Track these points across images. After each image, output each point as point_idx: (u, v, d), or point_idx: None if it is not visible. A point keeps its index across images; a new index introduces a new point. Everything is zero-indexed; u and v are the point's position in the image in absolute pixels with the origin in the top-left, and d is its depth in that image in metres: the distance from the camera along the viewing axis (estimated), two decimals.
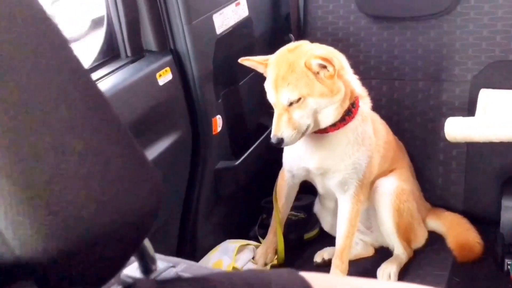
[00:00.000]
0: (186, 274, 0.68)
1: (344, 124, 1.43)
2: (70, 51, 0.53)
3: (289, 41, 1.83)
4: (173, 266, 0.67)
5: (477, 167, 1.75)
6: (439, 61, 1.80)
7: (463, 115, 1.54)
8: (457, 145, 1.72)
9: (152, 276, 0.65)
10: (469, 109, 1.71)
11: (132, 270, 0.66)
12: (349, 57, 1.73)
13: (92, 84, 0.55)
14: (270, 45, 1.58)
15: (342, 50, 1.65)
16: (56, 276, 0.48)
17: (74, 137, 0.48)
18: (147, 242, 0.65)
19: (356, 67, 1.76)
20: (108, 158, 0.51)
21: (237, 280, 0.52)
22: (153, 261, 0.65)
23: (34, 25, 0.49)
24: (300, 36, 1.99)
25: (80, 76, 0.53)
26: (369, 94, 1.58)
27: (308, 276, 0.55)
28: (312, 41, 1.55)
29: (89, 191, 0.48)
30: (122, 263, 0.55)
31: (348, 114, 1.44)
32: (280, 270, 0.56)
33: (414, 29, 1.84)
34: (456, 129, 1.42)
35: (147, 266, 0.65)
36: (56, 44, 0.51)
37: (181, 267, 0.70)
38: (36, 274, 0.46)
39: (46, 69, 0.48)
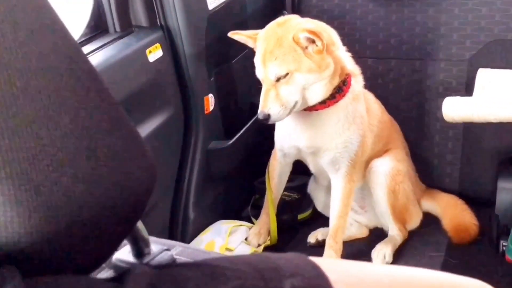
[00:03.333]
0: (181, 258, 0.65)
1: (334, 102, 1.40)
2: (55, 17, 0.48)
3: None
4: (168, 249, 0.64)
5: (473, 148, 1.73)
6: (437, 40, 1.76)
7: (461, 95, 1.50)
8: (453, 126, 1.69)
9: (146, 259, 0.62)
10: (467, 89, 1.68)
11: (124, 253, 0.62)
12: (345, 36, 1.69)
13: (80, 54, 0.50)
14: (264, 22, 1.52)
15: (338, 28, 1.61)
16: (42, 262, 0.44)
17: (59, 110, 0.44)
18: (140, 224, 0.61)
19: (352, 46, 1.72)
20: (97, 134, 0.47)
21: (243, 265, 0.49)
22: (147, 243, 0.62)
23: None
24: (294, 13, 1.93)
25: (66, 45, 0.48)
26: (365, 73, 1.54)
27: (318, 260, 0.52)
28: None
29: (77, 169, 0.44)
30: (115, 246, 0.52)
31: (339, 92, 1.40)
32: (289, 254, 0.53)
33: (411, 7, 1.79)
34: (454, 109, 1.39)
35: (140, 249, 0.62)
36: (37, 7, 0.46)
37: (176, 250, 0.66)
38: (20, 259, 0.42)
39: (27, 34, 0.43)
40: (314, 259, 0.52)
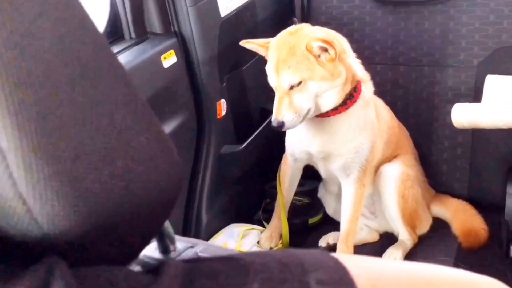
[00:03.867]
0: (205, 255, 0.67)
1: (346, 108, 1.42)
2: (93, 25, 0.51)
3: (292, 24, 1.82)
4: (192, 247, 0.66)
5: (482, 154, 1.75)
6: (445, 47, 1.78)
7: (469, 101, 1.52)
8: (462, 131, 1.71)
9: (171, 256, 0.64)
10: (475, 95, 1.70)
11: (151, 250, 0.65)
12: (354, 42, 1.71)
13: (114, 59, 0.53)
14: (274, 29, 1.55)
15: (347, 34, 1.63)
16: (81, 254, 0.46)
17: (98, 113, 0.47)
18: (166, 222, 0.64)
19: (361, 52, 1.74)
20: (131, 135, 0.50)
21: (270, 259, 0.51)
22: (172, 241, 0.64)
23: (64, 10, 0.47)
24: (304, 20, 1.96)
25: (103, 50, 0.51)
26: (374, 79, 1.56)
27: (339, 256, 0.54)
28: (316, 25, 1.53)
29: (114, 168, 0.47)
30: (147, 241, 0.54)
31: (350, 98, 1.42)
32: (312, 250, 0.55)
33: (420, 14, 1.82)
34: (463, 115, 1.41)
35: (166, 246, 0.64)
36: (79, 16, 0.49)
37: (200, 247, 0.69)
38: (63, 251, 0.44)
39: (70, 42, 0.46)
40: (335, 255, 0.54)
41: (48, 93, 0.43)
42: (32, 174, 0.41)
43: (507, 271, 1.51)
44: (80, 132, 0.44)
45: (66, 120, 0.43)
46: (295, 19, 2.01)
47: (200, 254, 0.67)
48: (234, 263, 0.50)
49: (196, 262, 0.53)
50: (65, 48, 0.45)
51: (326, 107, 1.40)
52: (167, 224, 0.64)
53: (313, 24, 1.56)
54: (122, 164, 0.48)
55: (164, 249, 0.64)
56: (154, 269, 0.49)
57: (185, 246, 0.65)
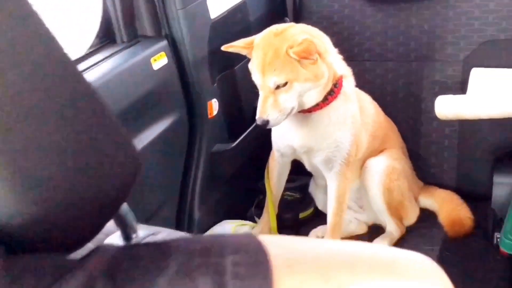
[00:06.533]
0: None
1: (327, 104, 1.45)
2: (58, 46, 0.55)
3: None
4: (154, 234, 0.72)
5: (469, 145, 1.78)
6: (432, 42, 1.82)
7: (456, 94, 1.55)
8: (449, 123, 1.74)
9: (132, 243, 0.70)
10: (462, 88, 1.73)
11: (115, 238, 0.71)
12: (344, 40, 1.75)
13: (63, 54, 0.56)
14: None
15: (337, 32, 1.66)
16: (29, 240, 0.52)
17: (48, 108, 0.51)
18: (129, 212, 0.70)
19: (351, 50, 1.78)
20: (81, 129, 0.54)
21: (195, 244, 0.56)
22: (133, 229, 0.70)
23: (17, 12, 0.52)
24: (296, 19, 2.01)
25: (53, 49, 0.55)
26: (364, 75, 1.60)
27: (265, 239, 0.58)
28: (307, 24, 1.57)
29: (63, 159, 0.52)
30: (99, 227, 0.59)
31: (331, 94, 1.45)
32: (239, 234, 0.60)
33: (408, 11, 1.85)
34: (447, 107, 1.44)
35: (128, 234, 0.70)
36: (44, 42, 0.53)
37: (162, 235, 0.74)
38: (8, 238, 0.50)
39: (22, 45, 0.51)
40: (262, 237, 0.58)
41: None
42: None
43: (491, 258, 1.54)
44: (28, 126, 0.49)
45: (14, 116, 0.48)
46: (287, 19, 2.05)
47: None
48: (158, 248, 0.55)
49: (125, 248, 0.58)
50: (16, 52, 0.50)
51: (308, 104, 1.44)
52: (130, 214, 0.70)
53: (305, 23, 1.59)
54: (70, 155, 0.52)
55: (126, 237, 0.70)
56: (88, 254, 0.55)
57: (146, 233, 0.71)
